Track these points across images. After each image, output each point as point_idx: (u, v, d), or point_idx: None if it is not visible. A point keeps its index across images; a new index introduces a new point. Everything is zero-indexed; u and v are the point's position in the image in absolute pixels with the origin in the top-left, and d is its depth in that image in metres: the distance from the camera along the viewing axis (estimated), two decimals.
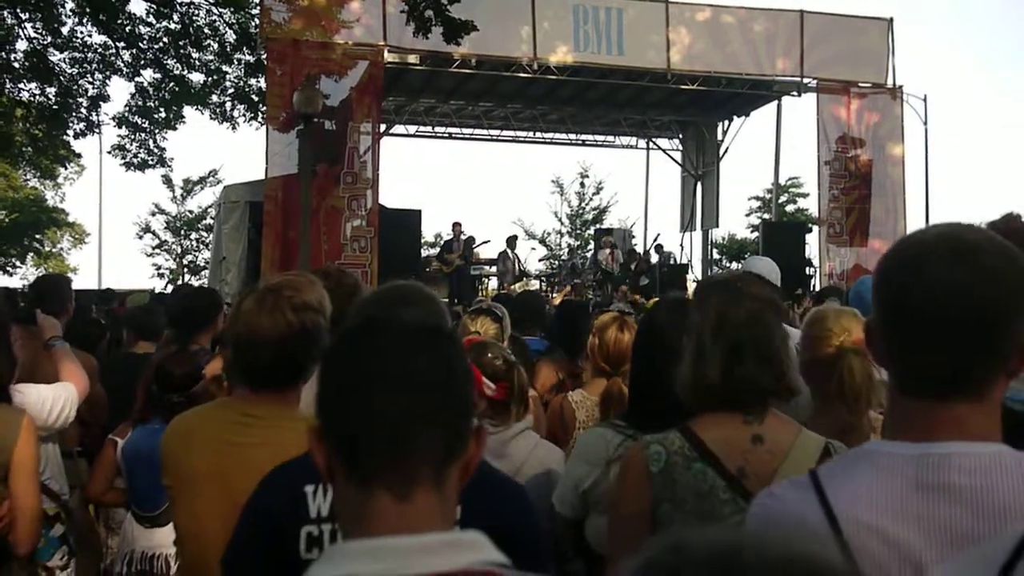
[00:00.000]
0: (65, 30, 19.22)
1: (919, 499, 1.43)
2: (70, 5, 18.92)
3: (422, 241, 23.42)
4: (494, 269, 21.80)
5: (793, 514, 1.52)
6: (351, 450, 1.29)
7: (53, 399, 3.67)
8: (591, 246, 29.35)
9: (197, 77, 20.60)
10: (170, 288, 17.95)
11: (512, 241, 21.75)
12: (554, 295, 18.70)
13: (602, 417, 3.64)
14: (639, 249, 23.86)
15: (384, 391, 1.28)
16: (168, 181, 40.19)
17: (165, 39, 19.76)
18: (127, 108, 20.53)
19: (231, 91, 20.77)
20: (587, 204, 40.55)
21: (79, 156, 27.83)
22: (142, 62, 20.02)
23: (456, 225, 20.66)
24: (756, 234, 36.23)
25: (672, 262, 23.39)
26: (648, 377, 2.87)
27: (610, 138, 27.82)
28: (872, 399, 2.98)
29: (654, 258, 22.72)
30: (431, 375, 1.31)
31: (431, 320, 1.41)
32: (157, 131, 21.06)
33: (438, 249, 22.26)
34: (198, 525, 2.49)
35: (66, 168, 35.86)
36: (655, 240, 23.50)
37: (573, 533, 2.98)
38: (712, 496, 2.24)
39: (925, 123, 21.91)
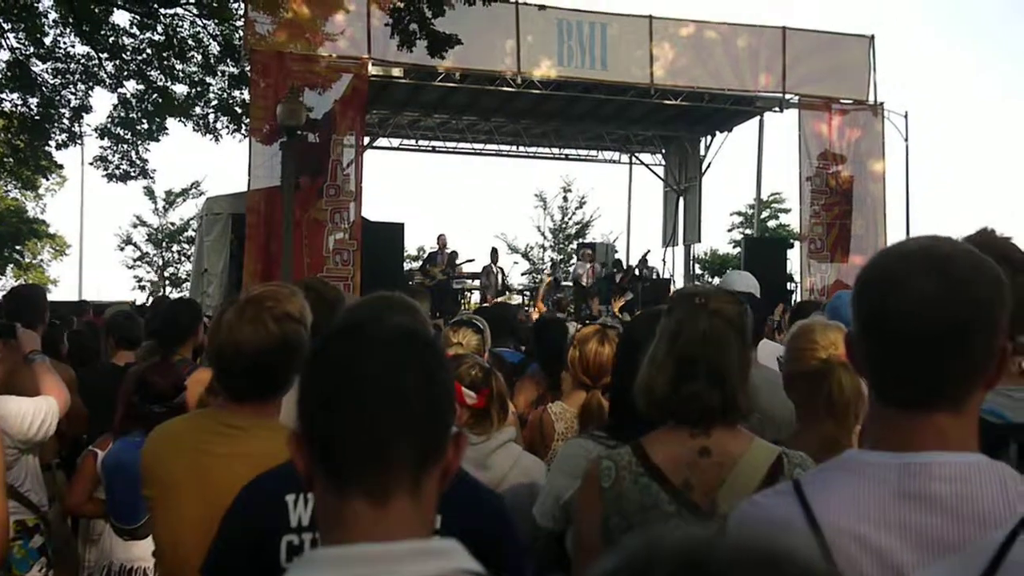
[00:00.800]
0: (48, 40, 19.24)
1: (901, 507, 1.44)
2: (53, 15, 18.94)
3: (405, 254, 23.42)
4: (477, 283, 21.80)
5: (775, 521, 1.53)
6: (328, 455, 1.29)
7: (34, 412, 3.66)
8: (574, 260, 29.40)
9: (180, 88, 20.64)
10: (150, 300, 17.84)
11: (495, 254, 21.76)
12: (532, 309, 18.69)
13: (581, 429, 3.64)
14: (625, 264, 23.87)
15: (362, 396, 1.28)
16: (150, 193, 40.06)
17: (149, 50, 19.73)
18: (110, 119, 20.53)
19: (214, 103, 20.77)
20: (570, 218, 40.61)
21: (61, 167, 27.70)
22: (125, 73, 19.99)
23: (440, 237, 20.64)
24: (738, 249, 36.33)
25: (655, 277, 23.43)
26: (624, 390, 2.89)
27: (593, 152, 27.85)
28: (860, 414, 2.98)
29: (638, 272, 22.77)
30: (409, 380, 1.30)
31: (411, 326, 1.40)
32: (140, 142, 21.07)
33: (421, 262, 22.23)
34: (177, 535, 2.48)
35: (47, 179, 35.73)
36: (644, 255, 23.57)
37: (555, 546, 2.98)
38: (656, 510, 2.26)
39: (906, 139, 22.07)
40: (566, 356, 5.19)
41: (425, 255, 22.65)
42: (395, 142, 25.42)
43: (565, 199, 40.35)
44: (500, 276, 21.37)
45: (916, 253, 1.51)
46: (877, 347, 1.53)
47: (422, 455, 1.30)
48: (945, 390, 1.48)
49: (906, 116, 22.01)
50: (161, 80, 20.24)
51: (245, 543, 1.97)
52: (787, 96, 20.87)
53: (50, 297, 5.87)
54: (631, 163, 27.88)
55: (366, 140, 19.44)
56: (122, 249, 41.99)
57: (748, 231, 38.76)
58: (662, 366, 2.29)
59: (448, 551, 1.27)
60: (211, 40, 20.00)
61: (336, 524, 1.27)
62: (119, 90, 20.22)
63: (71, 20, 18.65)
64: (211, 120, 20.91)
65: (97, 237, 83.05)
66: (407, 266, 22.96)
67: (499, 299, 20.03)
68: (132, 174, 21.32)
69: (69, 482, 4.56)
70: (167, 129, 21.15)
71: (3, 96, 19.51)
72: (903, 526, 1.44)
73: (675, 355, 2.28)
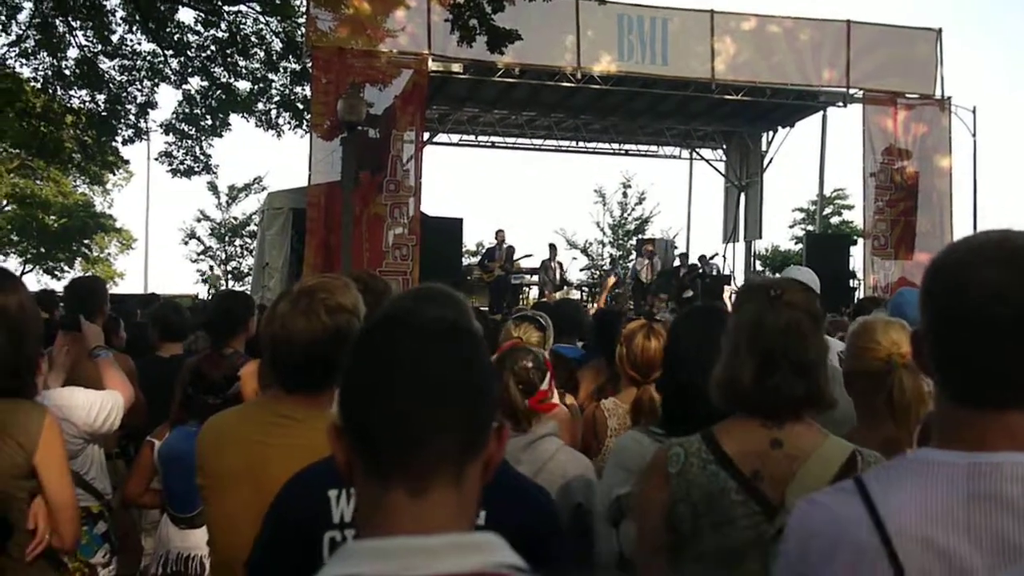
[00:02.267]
0: (115, 38, 19.60)
1: (970, 509, 1.39)
2: (120, 13, 19.28)
3: (463, 249, 23.47)
4: (535, 278, 21.78)
5: (838, 524, 1.49)
6: (367, 447, 1.27)
7: (100, 404, 3.71)
8: (633, 256, 29.26)
9: (243, 85, 20.92)
10: (210, 294, 18.14)
11: (553, 250, 21.74)
12: (592, 305, 18.64)
13: (633, 424, 3.61)
14: (689, 260, 23.73)
15: (402, 386, 1.26)
16: (214, 188, 40.83)
17: (212, 47, 20.02)
18: (174, 115, 20.90)
19: (276, 99, 21.01)
20: (629, 214, 40.45)
21: (127, 162, 28.27)
22: (189, 70, 20.31)
23: (499, 233, 20.65)
24: (800, 246, 35.93)
25: (716, 273, 23.24)
26: (669, 384, 2.94)
27: (653, 148, 27.71)
28: (922, 415, 2.92)
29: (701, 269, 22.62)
30: (450, 371, 1.28)
31: (451, 317, 1.38)
32: (203, 138, 21.39)
33: (479, 257, 22.27)
34: (230, 525, 2.48)
35: (114, 174, 36.45)
36: (711, 256, 23.46)
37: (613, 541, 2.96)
38: (724, 497, 2.24)
39: (974, 135, 21.65)
40: None
41: (483, 251, 22.64)
42: (455, 138, 25.50)
43: (624, 195, 40.25)
44: (559, 271, 21.33)
45: (988, 246, 1.46)
46: (947, 342, 1.48)
47: (463, 447, 1.28)
48: (1017, 387, 1.43)
49: (974, 111, 21.62)
50: (224, 77, 20.53)
51: (287, 539, 1.95)
52: (851, 91, 20.59)
53: (118, 290, 5.93)
54: (691, 159, 27.73)
55: (426, 136, 19.51)
56: (186, 243, 42.85)
57: (810, 227, 38.31)
58: (744, 362, 2.26)
59: (488, 545, 1.24)
60: (274, 37, 20.27)
61: (375, 516, 1.26)
62: (183, 87, 20.59)
63: (137, 18, 18.99)
64: (273, 116, 21.19)
65: (162, 231, 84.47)
66: (465, 261, 23.02)
67: (557, 294, 20.00)
68: (196, 169, 21.65)
69: (127, 472, 4.62)
70: (230, 125, 21.50)
71: (72, 93, 19.92)
72: (972, 528, 1.38)
73: (757, 350, 2.25)
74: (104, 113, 19.94)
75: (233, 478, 2.50)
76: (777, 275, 35.04)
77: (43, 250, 41.63)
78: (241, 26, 19.91)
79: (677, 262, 23.15)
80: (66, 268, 42.35)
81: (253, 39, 20.16)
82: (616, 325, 5.29)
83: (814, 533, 1.52)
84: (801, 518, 1.58)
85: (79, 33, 19.01)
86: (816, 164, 22.57)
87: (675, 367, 2.92)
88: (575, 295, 23.13)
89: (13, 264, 39.69)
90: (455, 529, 1.24)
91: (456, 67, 18.27)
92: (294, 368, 2.50)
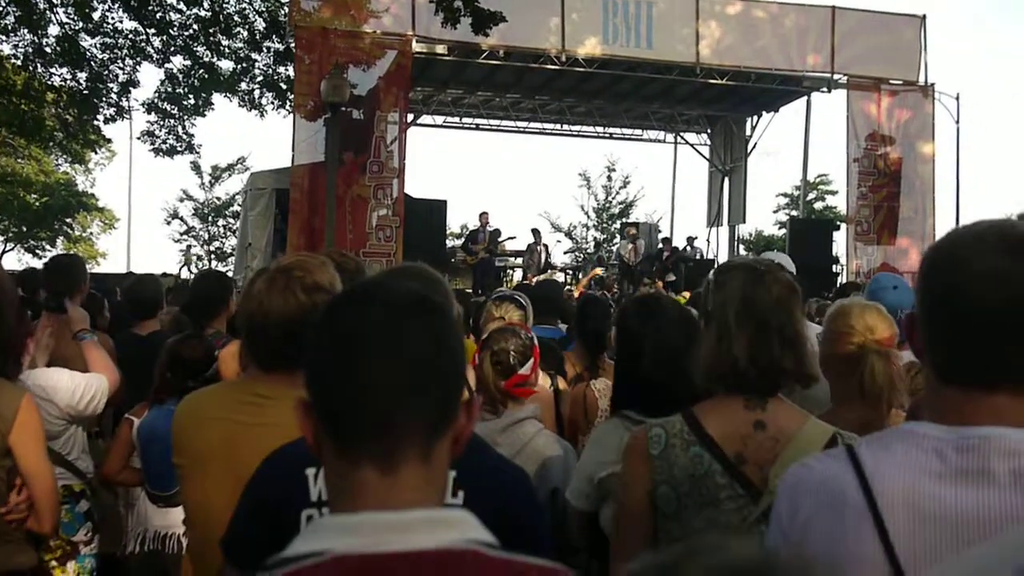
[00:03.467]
0: (96, 15, 19.37)
1: (957, 479, 1.43)
2: None
3: (447, 232, 23.44)
4: (519, 261, 21.80)
5: (828, 484, 1.53)
6: (335, 424, 1.26)
7: (85, 387, 3.72)
8: (617, 239, 29.30)
9: (226, 64, 20.75)
10: (181, 272, 18.04)
11: (537, 235, 21.76)
12: (574, 287, 18.66)
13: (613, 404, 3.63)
14: (674, 243, 23.78)
15: (368, 361, 1.24)
16: (196, 168, 40.64)
17: (195, 26, 19.83)
18: (157, 94, 20.72)
19: (260, 79, 20.89)
20: (614, 198, 40.47)
21: (109, 141, 27.98)
22: (172, 48, 20.13)
23: (483, 215, 20.64)
24: (784, 231, 36.03)
25: (699, 258, 23.31)
26: (621, 369, 3.05)
27: (638, 132, 27.72)
28: (894, 401, 2.94)
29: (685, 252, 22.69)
30: (417, 345, 1.26)
31: (418, 290, 1.36)
32: (186, 117, 21.24)
33: (463, 239, 22.25)
34: (206, 504, 2.48)
35: (96, 153, 36.26)
36: (691, 240, 23.47)
37: (587, 526, 2.97)
38: (708, 479, 2.24)
39: (957, 122, 21.72)
40: (606, 336, 5.24)
41: (467, 233, 22.60)
42: (439, 119, 25.47)
43: (609, 178, 40.27)
44: (544, 254, 21.35)
45: (989, 232, 1.49)
46: (942, 325, 1.52)
47: (431, 422, 1.27)
48: (1009, 369, 1.46)
49: (957, 98, 21.71)
50: (207, 56, 20.34)
51: (264, 516, 1.95)
52: (835, 76, 20.63)
53: (100, 270, 5.89)
54: (676, 143, 27.75)
55: (410, 117, 19.46)
56: (169, 223, 42.64)
57: (794, 212, 38.40)
58: (736, 338, 2.25)
59: (459, 521, 1.24)
60: (256, 16, 20.14)
61: (345, 493, 1.25)
62: (166, 65, 20.37)
63: None
64: (256, 96, 21.06)
65: (145, 211, 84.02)
66: (449, 243, 22.99)
67: (540, 277, 20.02)
68: (179, 149, 21.52)
69: (105, 450, 4.62)
70: (213, 104, 21.37)
71: (53, 71, 19.72)
72: (960, 498, 1.42)
73: (752, 322, 2.26)
74: (86, 91, 19.74)
75: (209, 458, 2.49)
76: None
77: (24, 229, 41.39)
78: (224, 5, 19.74)
79: (660, 245, 23.20)
80: (48, 247, 42.10)
81: (236, 18, 20.01)
82: (598, 314, 5.33)
83: (804, 493, 1.56)
84: (792, 480, 1.62)
85: (60, 10, 18.81)
86: (800, 149, 22.64)
87: (626, 357, 3.06)
88: (559, 278, 23.16)
89: None
90: (425, 505, 1.24)
91: (440, 48, 18.21)
92: (271, 347, 2.49)
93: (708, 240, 25.77)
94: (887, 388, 2.88)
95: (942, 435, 1.47)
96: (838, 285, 16.68)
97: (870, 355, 2.92)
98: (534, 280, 18.37)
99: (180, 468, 2.61)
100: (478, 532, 1.23)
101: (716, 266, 2.68)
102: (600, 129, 27.21)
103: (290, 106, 18.82)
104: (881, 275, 4.84)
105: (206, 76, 20.37)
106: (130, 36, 19.86)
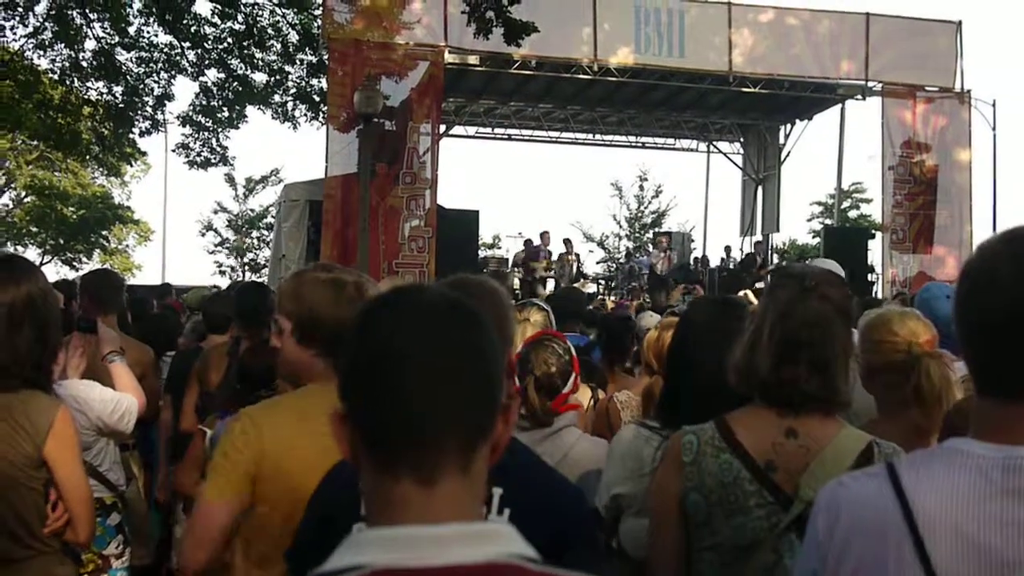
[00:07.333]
0: (132, 30, 19.65)
1: (1003, 502, 1.39)
2: (137, 5, 19.38)
3: (480, 242, 23.45)
4: (552, 272, 21.85)
5: (866, 504, 1.49)
6: (371, 435, 1.23)
7: (117, 404, 3.72)
8: (651, 249, 29.25)
9: (260, 77, 20.92)
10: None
11: (568, 244, 21.81)
12: (610, 299, 18.62)
13: (643, 414, 3.60)
14: (702, 254, 23.72)
15: (402, 373, 1.20)
16: (231, 180, 40.96)
17: (229, 39, 20.01)
18: (191, 107, 20.89)
19: (293, 91, 21.01)
20: (646, 207, 40.37)
21: (145, 154, 28.27)
22: (206, 62, 20.32)
23: (544, 235, 20.93)
24: (818, 239, 35.79)
25: (732, 267, 23.19)
26: (669, 377, 2.97)
27: (670, 141, 27.68)
28: (951, 401, 2.88)
29: (714, 263, 22.60)
30: (453, 355, 1.23)
31: (454, 296, 1.31)
32: (220, 130, 21.39)
33: (520, 253, 22.27)
34: (265, 513, 2.47)
35: (132, 166, 36.52)
36: (728, 249, 23.40)
37: (610, 535, 2.96)
38: (737, 486, 2.21)
39: (994, 128, 21.53)
40: (628, 352, 5.27)
41: (526, 247, 22.46)
42: (471, 130, 25.53)
43: (641, 188, 40.18)
44: (576, 264, 21.36)
45: (1021, 241, 1.46)
46: (980, 337, 1.48)
47: (470, 433, 1.23)
48: None
49: (994, 104, 21.50)
50: (241, 69, 20.52)
51: (325, 528, 1.94)
52: (870, 84, 20.44)
53: (134, 281, 5.98)
54: (709, 152, 27.63)
55: (442, 128, 19.49)
56: (203, 235, 42.94)
57: (828, 221, 38.13)
58: (764, 348, 2.22)
59: (500, 534, 1.21)
60: (290, 29, 20.28)
61: (383, 506, 1.22)
62: (200, 79, 20.56)
63: (154, 10, 19.05)
64: (289, 108, 21.18)
65: (180, 223, 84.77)
66: (482, 253, 23.01)
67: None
68: (213, 161, 21.67)
69: (180, 463, 4.59)
70: (247, 117, 21.47)
71: (89, 84, 19.99)
72: (1005, 522, 1.38)
73: (780, 337, 2.21)
74: (121, 105, 19.96)
75: (266, 471, 2.47)
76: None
77: (61, 241, 41.77)
78: (258, 18, 19.92)
79: (692, 262, 23.17)
80: (84, 259, 42.47)
81: (270, 31, 20.17)
82: (619, 330, 5.39)
83: (841, 513, 1.53)
84: (829, 498, 1.58)
85: (96, 25, 19.06)
86: (834, 157, 22.42)
87: (670, 362, 2.98)
88: (591, 288, 23.10)
89: (32, 255, 39.82)
90: (464, 517, 1.21)
91: (472, 59, 18.26)
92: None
93: (742, 249, 25.64)
94: (945, 389, 2.81)
95: (987, 453, 1.43)
96: (873, 294, 16.54)
97: (923, 359, 2.86)
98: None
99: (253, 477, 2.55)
100: (519, 546, 1.20)
101: (777, 267, 2.63)
102: (632, 138, 27.17)
103: (323, 118, 18.91)
104: (932, 284, 4.74)
105: (240, 89, 20.54)
106: (165, 50, 20.10)
